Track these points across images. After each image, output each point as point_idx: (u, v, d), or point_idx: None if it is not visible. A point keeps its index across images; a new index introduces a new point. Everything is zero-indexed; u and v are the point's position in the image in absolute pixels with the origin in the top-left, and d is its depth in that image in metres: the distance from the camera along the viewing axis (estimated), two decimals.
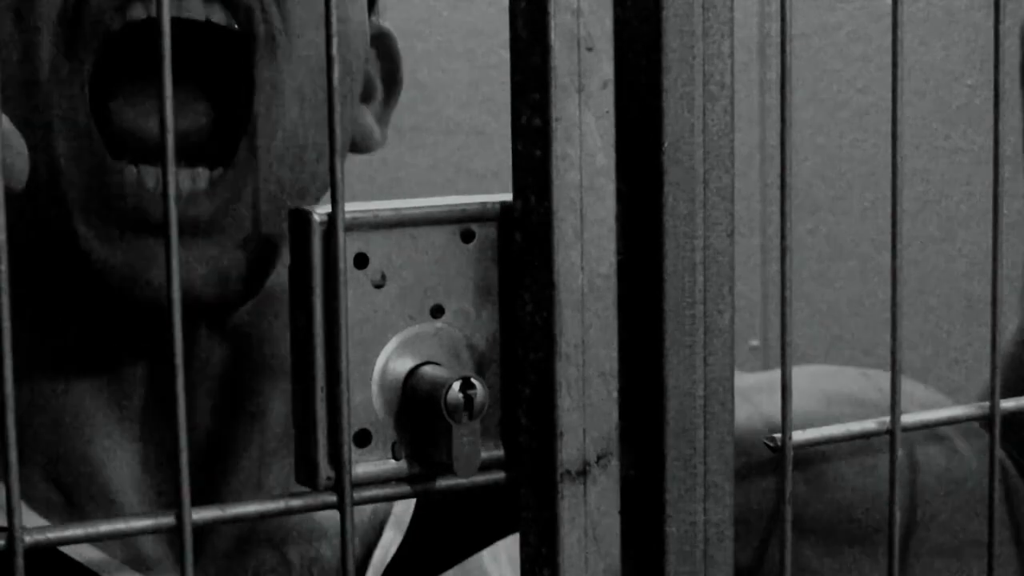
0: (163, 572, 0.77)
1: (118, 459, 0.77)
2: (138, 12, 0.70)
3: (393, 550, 0.80)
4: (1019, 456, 0.88)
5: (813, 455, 0.84)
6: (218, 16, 0.71)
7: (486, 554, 0.83)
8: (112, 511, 0.77)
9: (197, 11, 0.71)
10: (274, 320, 0.78)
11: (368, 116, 0.84)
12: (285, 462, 0.80)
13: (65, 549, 0.75)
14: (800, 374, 0.89)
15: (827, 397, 0.87)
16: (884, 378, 0.88)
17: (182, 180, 0.71)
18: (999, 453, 0.88)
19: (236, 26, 0.72)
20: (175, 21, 0.70)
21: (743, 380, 0.77)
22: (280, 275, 0.79)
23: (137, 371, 0.76)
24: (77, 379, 0.77)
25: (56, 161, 0.71)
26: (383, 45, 0.85)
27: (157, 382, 0.76)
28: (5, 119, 0.51)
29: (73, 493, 0.77)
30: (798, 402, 0.85)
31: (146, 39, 0.69)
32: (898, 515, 0.59)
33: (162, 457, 0.78)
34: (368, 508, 0.81)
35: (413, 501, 0.82)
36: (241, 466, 0.79)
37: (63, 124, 0.71)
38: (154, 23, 0.69)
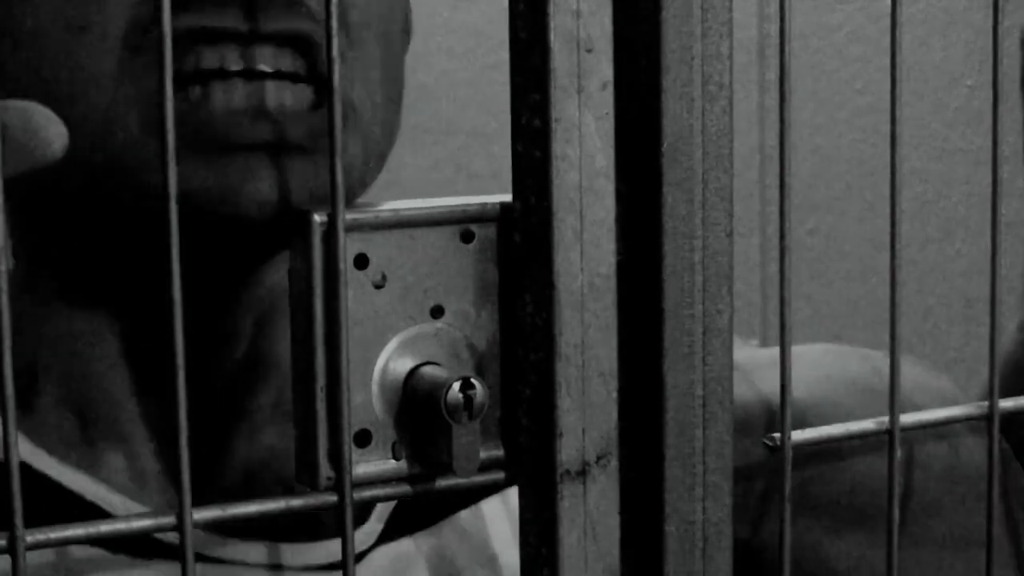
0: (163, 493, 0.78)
1: (129, 392, 0.77)
2: (211, 61, 0.69)
3: (372, 540, 0.81)
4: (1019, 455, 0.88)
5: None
6: (287, 64, 0.70)
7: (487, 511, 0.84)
8: (122, 447, 0.77)
9: (267, 60, 0.70)
10: (277, 318, 0.78)
11: None
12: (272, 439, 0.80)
13: (75, 489, 0.75)
14: (804, 355, 0.88)
15: (834, 383, 0.87)
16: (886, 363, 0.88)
17: (284, 95, 0.70)
18: (1007, 449, 0.88)
19: (304, 71, 0.71)
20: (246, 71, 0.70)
21: (739, 353, 0.77)
22: (282, 275, 0.79)
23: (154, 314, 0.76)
24: (96, 312, 0.77)
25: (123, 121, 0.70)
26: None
27: (200, 313, 0.75)
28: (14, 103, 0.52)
29: (87, 421, 0.77)
30: (805, 389, 0.85)
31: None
32: (896, 512, 0.59)
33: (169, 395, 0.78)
34: None
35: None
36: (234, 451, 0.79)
37: (133, 98, 0.70)
38: (226, 73, 0.69)
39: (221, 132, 0.69)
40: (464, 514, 0.83)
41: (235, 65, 0.69)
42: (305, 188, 0.70)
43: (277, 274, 0.77)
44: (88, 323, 0.77)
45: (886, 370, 0.60)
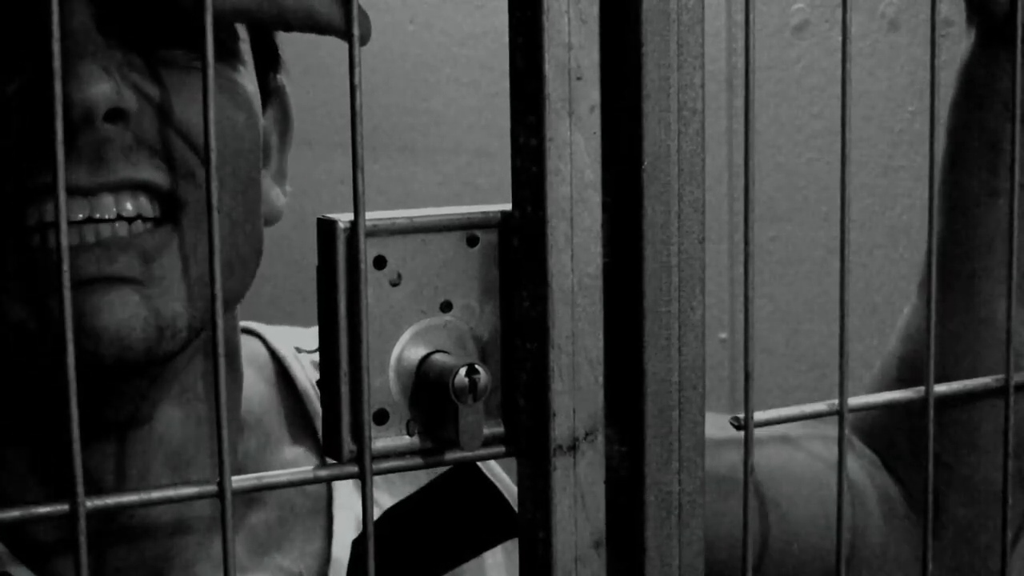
0: (56, 558, 0.74)
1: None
2: (52, 214, 0.65)
3: None
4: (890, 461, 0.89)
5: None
6: (127, 209, 0.66)
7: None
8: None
9: (107, 209, 0.66)
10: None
11: (266, 182, 0.78)
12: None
13: None
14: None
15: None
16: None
17: (121, 228, 0.66)
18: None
19: (147, 211, 0.67)
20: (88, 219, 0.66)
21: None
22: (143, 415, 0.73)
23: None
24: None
25: None
26: (278, 97, 0.79)
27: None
28: None
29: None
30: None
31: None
32: (845, 484, 0.59)
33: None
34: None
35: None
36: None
37: None
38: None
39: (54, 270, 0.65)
40: (467, 566, 0.80)
41: (78, 215, 0.65)
42: (137, 318, 0.66)
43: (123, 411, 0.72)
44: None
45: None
